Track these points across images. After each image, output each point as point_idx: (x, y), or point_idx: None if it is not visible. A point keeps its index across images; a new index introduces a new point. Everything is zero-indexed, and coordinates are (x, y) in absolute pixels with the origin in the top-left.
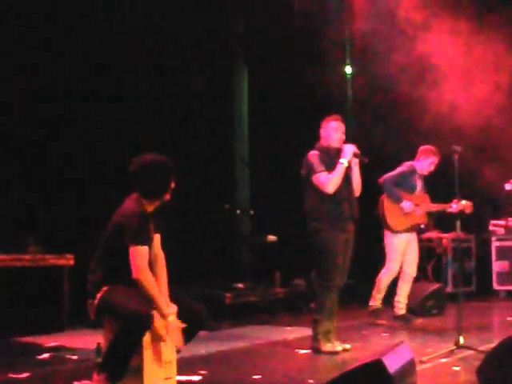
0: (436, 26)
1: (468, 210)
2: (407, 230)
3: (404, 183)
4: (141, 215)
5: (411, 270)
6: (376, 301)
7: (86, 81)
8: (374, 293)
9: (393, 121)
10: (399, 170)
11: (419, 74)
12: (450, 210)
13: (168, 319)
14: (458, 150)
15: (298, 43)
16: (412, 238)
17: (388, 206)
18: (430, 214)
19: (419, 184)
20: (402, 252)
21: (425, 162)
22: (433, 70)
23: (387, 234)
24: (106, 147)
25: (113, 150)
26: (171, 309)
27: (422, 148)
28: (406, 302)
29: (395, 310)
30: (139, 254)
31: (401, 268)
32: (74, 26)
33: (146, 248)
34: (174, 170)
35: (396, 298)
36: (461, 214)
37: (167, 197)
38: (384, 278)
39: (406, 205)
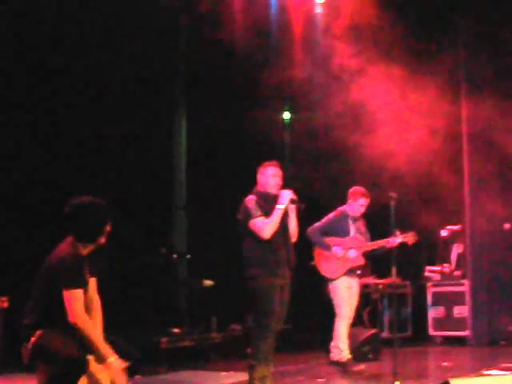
0: (371, 72)
1: (411, 241)
2: (345, 274)
3: (336, 229)
4: (75, 258)
5: (351, 315)
6: (344, 352)
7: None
8: (339, 346)
9: (330, 167)
10: (327, 217)
11: (356, 120)
12: (389, 244)
13: (109, 360)
14: (393, 196)
15: (237, 88)
16: (352, 281)
17: (320, 256)
18: (369, 257)
19: (353, 227)
20: (347, 295)
21: (354, 205)
22: (369, 116)
23: (329, 283)
24: (42, 190)
25: (49, 194)
26: (110, 351)
27: (351, 190)
28: (345, 346)
29: (332, 354)
30: (74, 298)
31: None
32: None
33: (80, 291)
34: (109, 212)
35: (333, 343)
36: (404, 244)
37: (102, 240)
38: (340, 327)
39: (336, 250)
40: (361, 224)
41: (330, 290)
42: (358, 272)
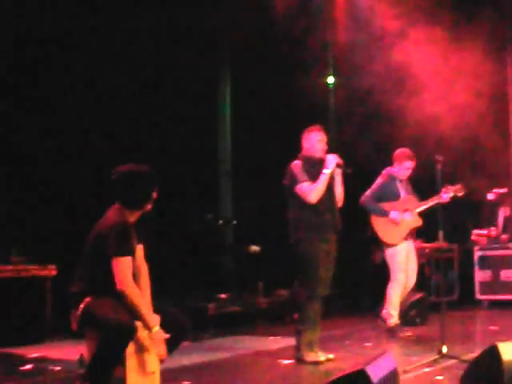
0: (414, 34)
1: (460, 193)
2: (405, 239)
3: (386, 193)
4: (122, 226)
5: (410, 281)
6: (393, 318)
7: (70, 91)
8: (390, 310)
9: (375, 130)
10: (376, 183)
11: (400, 84)
12: (442, 200)
13: (152, 330)
14: (440, 159)
15: (282, 53)
16: (410, 246)
17: (377, 223)
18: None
19: (402, 189)
20: (404, 261)
21: (400, 168)
22: (413, 79)
23: (387, 248)
24: (89, 158)
25: (96, 162)
26: (155, 320)
27: (396, 153)
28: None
29: (384, 319)
30: (122, 266)
31: None
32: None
33: (128, 259)
34: (156, 179)
35: (384, 308)
36: (454, 198)
37: (149, 207)
38: (393, 292)
39: (394, 215)
40: (407, 185)
41: (387, 255)
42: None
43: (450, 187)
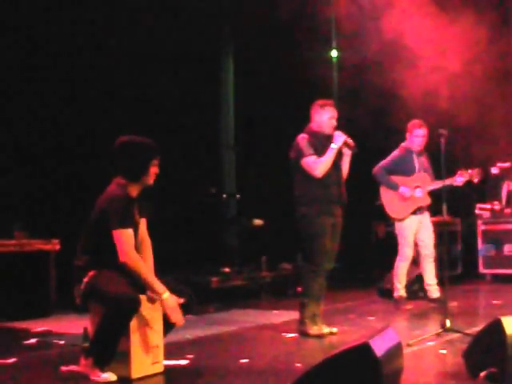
0: (418, 8)
1: (477, 178)
2: (413, 214)
3: (401, 167)
4: (124, 199)
5: (428, 251)
6: (399, 290)
7: (78, 66)
8: (395, 283)
9: (377, 104)
10: (392, 155)
11: (403, 58)
12: (455, 183)
13: (163, 297)
14: (443, 133)
15: (284, 27)
16: (423, 219)
17: (385, 196)
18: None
19: (418, 163)
20: (411, 237)
21: (413, 137)
22: (417, 53)
23: (396, 222)
24: (91, 133)
25: (98, 137)
26: (163, 287)
27: (408, 125)
28: (435, 282)
29: (428, 293)
30: (124, 238)
31: (419, 252)
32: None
33: (130, 231)
34: (155, 150)
35: (426, 282)
36: (469, 183)
37: (150, 181)
38: (400, 266)
39: (404, 190)
40: (424, 159)
41: (396, 229)
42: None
43: (465, 171)
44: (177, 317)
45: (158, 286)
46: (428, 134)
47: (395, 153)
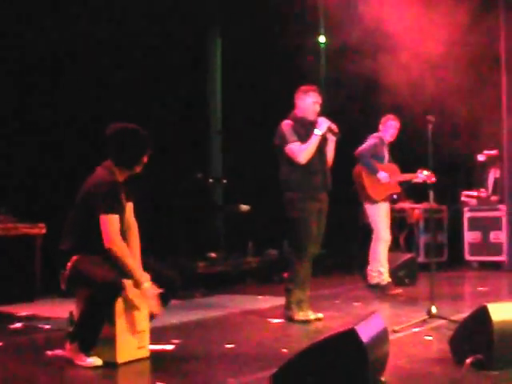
0: None
1: (430, 180)
2: (386, 200)
3: (375, 154)
4: (111, 184)
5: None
6: (383, 275)
7: (67, 53)
8: (379, 269)
9: (363, 93)
10: (371, 141)
11: (389, 44)
12: (415, 180)
13: (143, 286)
14: (431, 119)
15: (272, 12)
16: (387, 206)
17: (366, 178)
18: (400, 184)
19: (387, 154)
20: (387, 219)
21: (385, 128)
22: (403, 39)
23: (369, 206)
24: (78, 117)
25: (85, 120)
26: (146, 276)
27: (382, 118)
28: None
29: (368, 278)
30: (110, 223)
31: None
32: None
33: (116, 216)
34: (149, 142)
35: (369, 267)
36: (424, 183)
37: (138, 169)
38: (379, 250)
39: (383, 175)
40: (389, 153)
41: (369, 213)
42: (394, 197)
43: (424, 171)
44: (154, 306)
45: (140, 274)
46: (408, 122)
47: (372, 141)
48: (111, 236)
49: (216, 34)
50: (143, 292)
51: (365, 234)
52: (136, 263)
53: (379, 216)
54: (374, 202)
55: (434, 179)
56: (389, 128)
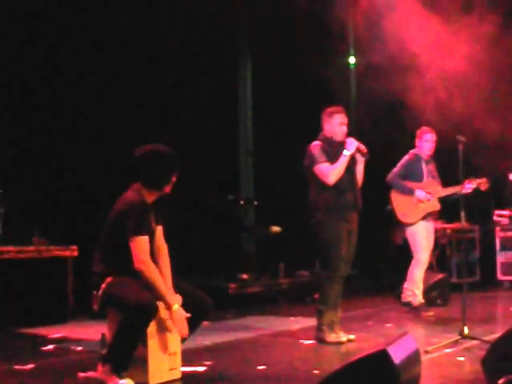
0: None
1: (484, 187)
2: (423, 219)
3: (411, 173)
4: (140, 205)
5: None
6: (418, 296)
7: (90, 72)
8: (414, 290)
9: (394, 113)
10: (402, 161)
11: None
12: (464, 190)
13: (172, 309)
14: (462, 139)
15: (301, 34)
16: (429, 226)
17: (397, 201)
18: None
19: (426, 170)
20: (424, 240)
21: (422, 142)
22: (433, 60)
23: (407, 227)
24: (111, 140)
25: (118, 143)
26: (175, 299)
27: (417, 131)
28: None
29: (403, 295)
30: (139, 244)
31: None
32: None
33: (146, 238)
34: (177, 162)
35: (406, 284)
36: (476, 191)
37: (167, 189)
38: (416, 271)
39: (420, 194)
40: (432, 167)
41: (407, 234)
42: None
43: (473, 179)
44: (182, 330)
45: (170, 297)
46: (438, 141)
47: (405, 159)
48: (141, 257)
49: (248, 57)
50: (172, 315)
51: (397, 254)
52: (166, 285)
53: (415, 238)
54: (407, 225)
55: (487, 185)
56: (425, 142)
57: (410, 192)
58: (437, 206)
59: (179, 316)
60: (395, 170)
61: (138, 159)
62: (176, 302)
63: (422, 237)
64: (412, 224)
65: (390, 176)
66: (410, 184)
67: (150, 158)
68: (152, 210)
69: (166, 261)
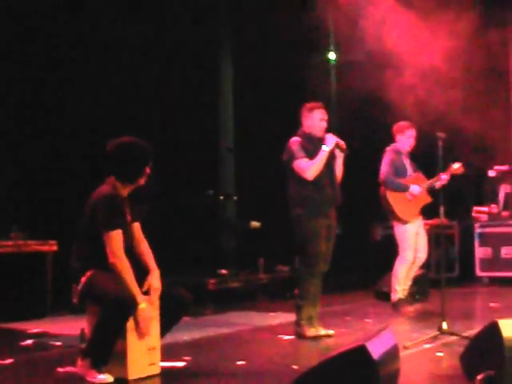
0: (412, 11)
1: (460, 171)
2: (417, 216)
3: (397, 169)
4: (111, 198)
5: (422, 255)
6: (398, 293)
7: (75, 65)
8: (395, 285)
9: (373, 109)
10: (388, 159)
11: (397, 61)
12: (440, 182)
13: (140, 306)
14: (442, 136)
15: (282, 31)
16: (420, 223)
17: (393, 199)
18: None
19: (408, 164)
20: (414, 239)
21: (403, 138)
22: (411, 57)
23: (398, 225)
24: (88, 133)
25: (95, 137)
26: (143, 298)
27: (395, 127)
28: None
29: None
30: (113, 239)
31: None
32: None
33: (118, 232)
34: (150, 154)
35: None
36: (451, 184)
37: (141, 181)
38: (400, 268)
39: (415, 188)
40: (412, 162)
41: (397, 232)
42: None
43: (447, 169)
44: (143, 330)
45: (137, 294)
46: (422, 139)
47: (388, 157)
48: (114, 252)
49: (228, 54)
50: (138, 312)
51: (376, 250)
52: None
53: (405, 237)
54: (404, 222)
55: (463, 168)
56: (407, 138)
57: (405, 189)
58: (428, 199)
59: (144, 315)
60: (386, 169)
61: (109, 153)
62: (143, 300)
63: (411, 235)
64: (407, 222)
65: (383, 176)
66: (403, 181)
67: (121, 151)
68: (127, 203)
69: (149, 255)
